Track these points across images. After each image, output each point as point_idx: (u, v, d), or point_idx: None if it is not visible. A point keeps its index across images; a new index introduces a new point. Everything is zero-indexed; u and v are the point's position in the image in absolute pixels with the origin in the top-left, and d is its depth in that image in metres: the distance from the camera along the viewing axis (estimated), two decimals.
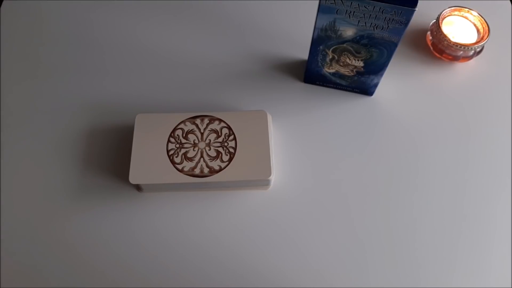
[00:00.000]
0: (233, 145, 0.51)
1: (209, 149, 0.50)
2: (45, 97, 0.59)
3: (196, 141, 0.51)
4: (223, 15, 0.66)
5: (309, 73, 0.58)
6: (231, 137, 0.51)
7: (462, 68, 0.62)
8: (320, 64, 0.56)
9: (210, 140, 0.51)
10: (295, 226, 0.51)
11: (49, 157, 0.54)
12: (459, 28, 0.62)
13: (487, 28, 0.60)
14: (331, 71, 0.57)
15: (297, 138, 0.56)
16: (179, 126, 0.52)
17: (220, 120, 0.52)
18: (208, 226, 0.51)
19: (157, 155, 0.50)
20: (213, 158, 0.50)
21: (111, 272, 0.48)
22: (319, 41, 0.52)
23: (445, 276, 0.49)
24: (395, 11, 0.45)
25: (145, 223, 0.51)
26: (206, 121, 0.52)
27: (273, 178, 0.52)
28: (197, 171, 0.49)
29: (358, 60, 0.53)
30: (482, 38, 0.60)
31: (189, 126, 0.52)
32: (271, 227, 0.51)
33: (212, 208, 0.52)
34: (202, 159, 0.50)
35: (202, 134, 0.51)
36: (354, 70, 0.55)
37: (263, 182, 0.51)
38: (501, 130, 0.58)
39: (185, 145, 0.51)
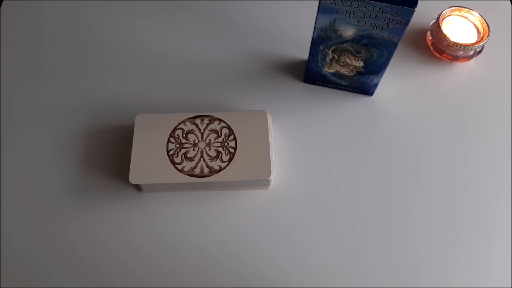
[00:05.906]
0: (233, 145, 0.51)
1: (209, 149, 0.50)
2: (45, 97, 0.59)
3: (196, 141, 0.51)
4: (223, 15, 0.66)
5: (309, 73, 0.58)
6: (231, 137, 0.51)
7: (462, 68, 0.62)
8: (320, 64, 0.56)
9: (210, 140, 0.51)
10: (295, 226, 0.51)
11: (49, 157, 0.54)
12: (459, 28, 0.62)
13: (487, 28, 0.60)
14: (331, 71, 0.57)
15: (297, 138, 0.56)
16: (179, 126, 0.52)
17: (220, 120, 0.52)
18: (208, 226, 0.51)
19: (157, 155, 0.50)
20: (213, 158, 0.50)
21: (111, 272, 0.48)
22: (319, 41, 0.52)
23: (445, 276, 0.49)
24: (395, 11, 0.45)
25: (145, 223, 0.51)
26: (206, 121, 0.52)
27: (273, 178, 0.52)
28: (197, 171, 0.49)
29: (358, 60, 0.53)
30: (482, 38, 0.60)
31: (189, 126, 0.52)
32: (271, 227, 0.51)
33: (212, 208, 0.52)
34: (202, 159, 0.50)
35: (202, 134, 0.51)
36: (354, 70, 0.55)
37: (263, 182, 0.51)
38: (501, 130, 0.58)
39: (185, 145, 0.51)
